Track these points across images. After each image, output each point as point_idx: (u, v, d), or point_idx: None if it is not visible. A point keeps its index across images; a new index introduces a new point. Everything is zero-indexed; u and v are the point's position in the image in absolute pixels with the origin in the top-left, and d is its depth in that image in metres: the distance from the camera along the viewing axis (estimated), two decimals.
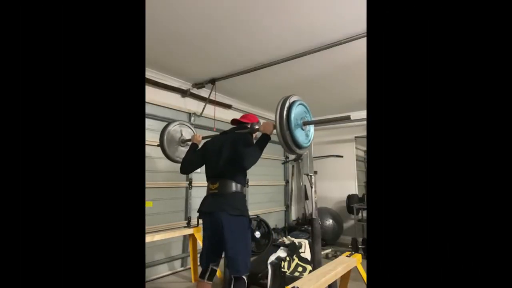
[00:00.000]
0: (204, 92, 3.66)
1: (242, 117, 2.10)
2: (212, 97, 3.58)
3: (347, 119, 1.62)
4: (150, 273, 3.00)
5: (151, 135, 3.15)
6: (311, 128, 1.75)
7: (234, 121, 2.09)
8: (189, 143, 2.28)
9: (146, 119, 3.10)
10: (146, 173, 2.99)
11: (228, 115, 4.21)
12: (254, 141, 1.88)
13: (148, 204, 2.99)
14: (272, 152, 5.20)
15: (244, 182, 1.83)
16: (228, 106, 4.16)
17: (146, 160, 3.03)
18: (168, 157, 2.43)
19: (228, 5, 1.97)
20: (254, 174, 4.55)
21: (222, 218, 1.66)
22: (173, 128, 2.48)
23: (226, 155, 1.78)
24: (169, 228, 3.09)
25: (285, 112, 1.50)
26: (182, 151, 2.47)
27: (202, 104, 3.66)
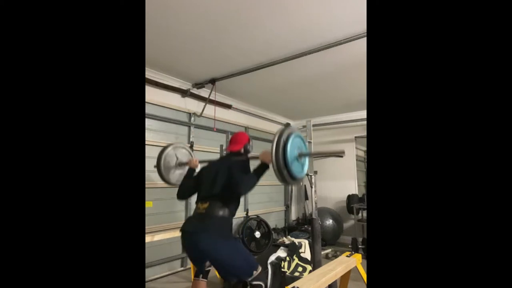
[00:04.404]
0: (204, 92, 3.67)
1: (231, 142, 2.01)
2: (212, 97, 3.58)
3: (341, 153, 1.65)
4: (150, 273, 3.00)
5: (151, 135, 3.16)
6: (306, 158, 1.76)
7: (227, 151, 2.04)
8: (186, 166, 2.24)
9: (146, 119, 3.10)
10: (146, 173, 2.99)
11: (228, 115, 4.21)
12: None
13: (148, 204, 2.99)
14: None
15: (234, 211, 1.77)
16: (228, 106, 4.17)
17: (146, 160, 3.03)
18: (168, 183, 2.41)
19: (228, 6, 1.97)
20: None
21: (206, 242, 1.56)
22: (168, 153, 2.43)
23: (222, 180, 1.73)
24: (169, 228, 3.09)
25: (281, 150, 1.51)
26: (181, 174, 2.43)
27: (202, 104, 3.66)
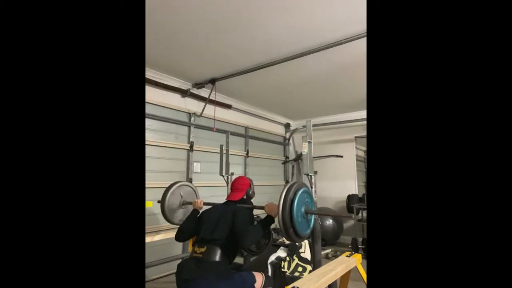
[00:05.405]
0: (204, 92, 3.67)
1: (232, 190, 1.97)
2: (212, 97, 3.58)
3: (349, 216, 1.67)
4: (150, 273, 3.00)
5: (151, 135, 3.16)
6: (312, 215, 1.74)
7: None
8: (190, 206, 2.20)
9: (146, 119, 3.10)
10: (147, 173, 2.99)
11: (228, 115, 4.21)
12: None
13: (148, 204, 2.99)
14: (272, 152, 5.20)
15: (232, 257, 1.70)
16: (228, 106, 4.17)
17: (146, 160, 3.03)
18: (172, 222, 2.41)
19: (228, 5, 1.97)
20: (254, 174, 4.55)
21: (206, 287, 1.46)
22: (173, 191, 2.42)
23: (225, 226, 1.68)
24: (169, 228, 3.09)
25: (287, 208, 1.49)
26: (184, 213, 2.43)
27: (202, 104, 3.66)
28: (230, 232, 1.64)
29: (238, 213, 1.71)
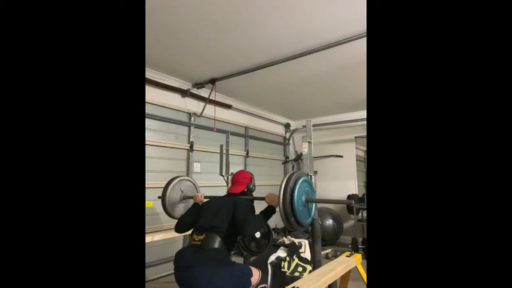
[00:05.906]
0: (204, 92, 3.67)
1: (233, 183, 1.98)
2: (212, 97, 3.58)
3: (350, 204, 1.69)
4: (151, 273, 3.00)
5: (151, 135, 3.16)
6: (313, 204, 1.75)
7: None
8: (190, 200, 2.22)
9: (146, 119, 3.10)
10: (147, 173, 2.99)
11: (228, 115, 4.21)
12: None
13: (148, 204, 2.99)
14: (272, 152, 5.20)
15: (230, 246, 1.69)
16: (228, 106, 4.17)
17: (146, 160, 3.03)
18: (172, 217, 2.43)
19: (228, 5, 1.97)
20: (254, 174, 4.54)
21: (200, 275, 1.44)
22: (174, 187, 2.43)
23: (225, 215, 1.68)
24: (170, 228, 3.09)
25: (288, 197, 1.50)
26: (185, 207, 2.45)
27: (202, 104, 3.66)
28: (230, 222, 1.65)
29: (239, 204, 1.72)
